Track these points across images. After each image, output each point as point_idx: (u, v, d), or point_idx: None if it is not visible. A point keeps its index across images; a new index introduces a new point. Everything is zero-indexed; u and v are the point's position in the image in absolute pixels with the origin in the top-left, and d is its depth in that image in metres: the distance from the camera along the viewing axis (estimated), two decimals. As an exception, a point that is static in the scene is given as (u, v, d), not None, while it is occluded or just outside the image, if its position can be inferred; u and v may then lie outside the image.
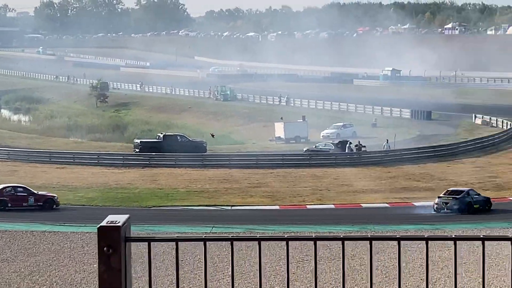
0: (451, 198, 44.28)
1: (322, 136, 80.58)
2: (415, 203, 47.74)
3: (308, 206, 47.91)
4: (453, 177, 57.16)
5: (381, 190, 52.44)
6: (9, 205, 46.26)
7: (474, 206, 44.46)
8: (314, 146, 70.00)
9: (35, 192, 47.68)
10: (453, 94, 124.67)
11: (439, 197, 44.87)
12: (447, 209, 44.14)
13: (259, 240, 4.15)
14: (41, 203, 46.88)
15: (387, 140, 69.29)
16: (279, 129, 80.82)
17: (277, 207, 47.93)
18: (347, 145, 67.39)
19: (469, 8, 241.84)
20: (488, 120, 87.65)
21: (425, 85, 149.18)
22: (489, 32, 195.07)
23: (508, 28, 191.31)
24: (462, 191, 45.24)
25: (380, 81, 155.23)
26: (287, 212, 47.24)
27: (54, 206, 47.09)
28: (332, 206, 48.08)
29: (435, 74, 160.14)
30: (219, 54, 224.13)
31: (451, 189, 46.36)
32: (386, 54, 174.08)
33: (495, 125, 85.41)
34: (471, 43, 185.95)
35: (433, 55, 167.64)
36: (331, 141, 71.39)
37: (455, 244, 4.08)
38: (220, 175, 58.70)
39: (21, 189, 47.55)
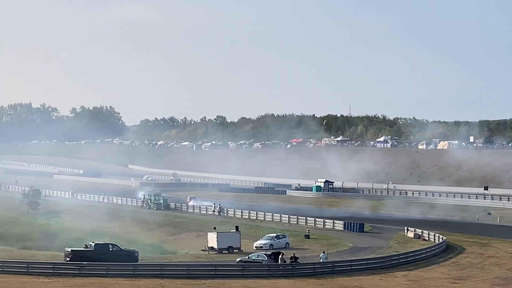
0: None
1: (255, 246, 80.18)
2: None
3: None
4: (386, 290, 57.16)
5: (314, 302, 52.07)
6: None
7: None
8: (247, 257, 69.43)
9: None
10: (384, 207, 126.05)
11: None
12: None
13: None
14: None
15: (324, 251, 69.20)
16: (212, 239, 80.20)
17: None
18: (280, 256, 67.04)
19: (401, 122, 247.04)
20: (420, 233, 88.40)
21: (357, 196, 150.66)
22: (420, 147, 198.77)
23: (439, 143, 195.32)
24: None
25: (313, 192, 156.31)
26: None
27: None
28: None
29: (367, 186, 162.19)
30: (152, 163, 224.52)
31: None
32: (319, 165, 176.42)
33: (427, 238, 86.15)
34: (403, 156, 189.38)
35: (365, 167, 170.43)
36: (264, 252, 70.96)
37: None
38: (151, 285, 57.66)
39: None
